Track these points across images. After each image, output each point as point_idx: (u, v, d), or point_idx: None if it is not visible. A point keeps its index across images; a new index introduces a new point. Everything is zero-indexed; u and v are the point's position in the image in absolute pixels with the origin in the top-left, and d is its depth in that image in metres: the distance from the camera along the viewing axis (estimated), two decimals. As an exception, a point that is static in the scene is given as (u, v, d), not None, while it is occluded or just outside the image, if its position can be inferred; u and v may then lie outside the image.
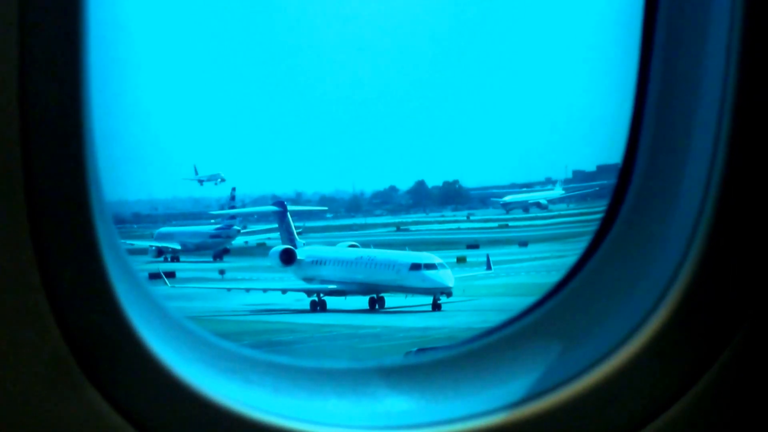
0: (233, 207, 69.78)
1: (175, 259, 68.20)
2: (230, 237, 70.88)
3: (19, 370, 3.48)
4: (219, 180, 74.88)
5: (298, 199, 77.25)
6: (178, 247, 69.17)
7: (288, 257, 61.18)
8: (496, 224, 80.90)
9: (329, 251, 62.29)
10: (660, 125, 4.05)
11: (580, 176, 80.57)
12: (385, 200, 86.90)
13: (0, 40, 3.34)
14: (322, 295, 57.44)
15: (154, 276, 56.18)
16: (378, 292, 56.79)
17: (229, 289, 60.03)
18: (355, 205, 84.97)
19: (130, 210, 73.69)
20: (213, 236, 70.35)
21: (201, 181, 75.13)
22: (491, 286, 57.29)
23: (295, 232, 64.01)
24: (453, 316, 51.08)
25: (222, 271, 67.13)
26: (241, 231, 72.59)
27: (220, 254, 70.98)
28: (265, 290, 59.07)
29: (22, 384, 3.50)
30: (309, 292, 58.06)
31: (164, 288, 54.37)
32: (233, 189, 69.53)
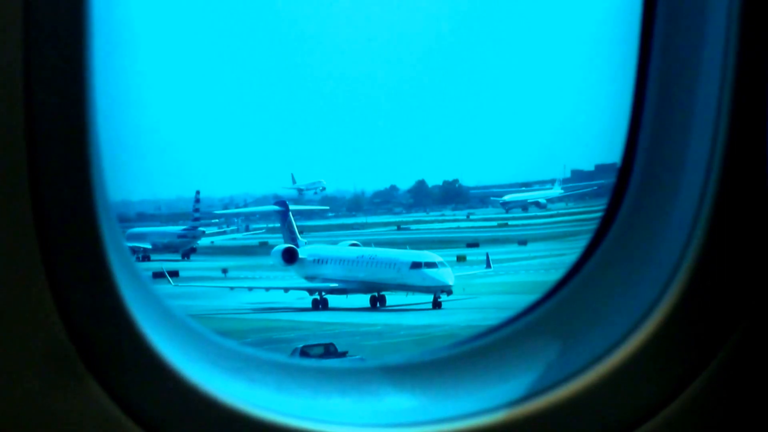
0: (197, 210, 70.52)
1: (146, 258, 68.64)
2: (196, 237, 72.42)
3: (25, 367, 3.50)
4: (320, 189, 74.54)
5: (299, 199, 77.22)
6: (149, 246, 69.71)
7: (290, 256, 61.18)
8: (495, 223, 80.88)
9: (331, 250, 62.25)
10: (658, 125, 4.06)
11: (578, 175, 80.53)
12: (386, 199, 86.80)
13: (4, 42, 3.34)
14: (323, 293, 57.43)
15: (158, 275, 56.39)
16: (379, 290, 56.78)
17: (231, 288, 60.08)
18: (356, 205, 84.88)
19: (134, 210, 73.98)
20: (180, 236, 71.41)
21: (300, 190, 74.95)
22: (491, 284, 57.29)
23: (297, 231, 64.02)
24: (453, 313, 51.04)
25: (225, 270, 67.29)
26: (206, 232, 73.95)
27: (187, 253, 71.85)
28: (267, 289, 59.10)
29: (27, 381, 3.51)
30: (311, 291, 58.06)
31: (168, 286, 54.41)
32: (197, 192, 70.29)
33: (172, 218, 77.00)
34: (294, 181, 76.34)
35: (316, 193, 74.68)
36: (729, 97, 3.80)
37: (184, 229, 71.62)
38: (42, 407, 3.53)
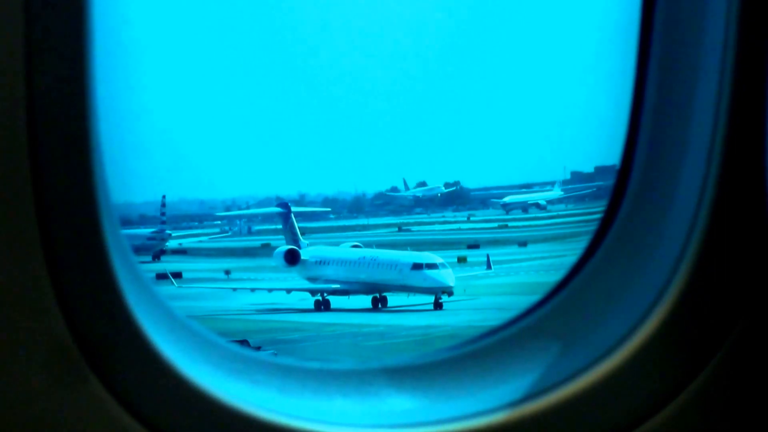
0: (164, 213, 70.97)
1: None
2: (163, 240, 73.41)
3: (28, 366, 3.51)
4: (439, 194, 72.72)
5: (301, 201, 77.29)
6: None
7: (292, 257, 61.20)
8: (496, 225, 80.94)
9: (332, 251, 62.28)
10: (658, 125, 4.07)
11: (578, 177, 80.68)
12: (387, 201, 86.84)
13: (6, 43, 3.34)
14: (325, 294, 57.45)
15: (161, 276, 56.48)
16: (381, 291, 56.80)
17: (234, 289, 60.14)
18: (357, 206, 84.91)
19: (137, 212, 74.30)
20: (149, 238, 72.02)
21: (416, 197, 73.21)
22: (491, 285, 57.29)
23: (299, 232, 64.06)
24: (454, 314, 51.05)
25: (227, 272, 67.37)
26: (173, 235, 75.16)
27: (157, 254, 72.51)
28: (270, 290, 59.16)
29: (30, 380, 3.52)
30: (313, 292, 58.07)
31: (171, 288, 54.48)
32: (164, 196, 70.75)
33: (174, 219, 77.19)
34: (407, 187, 74.63)
35: (437, 197, 72.80)
36: (728, 98, 3.81)
37: (153, 232, 72.34)
38: (45, 406, 3.54)
